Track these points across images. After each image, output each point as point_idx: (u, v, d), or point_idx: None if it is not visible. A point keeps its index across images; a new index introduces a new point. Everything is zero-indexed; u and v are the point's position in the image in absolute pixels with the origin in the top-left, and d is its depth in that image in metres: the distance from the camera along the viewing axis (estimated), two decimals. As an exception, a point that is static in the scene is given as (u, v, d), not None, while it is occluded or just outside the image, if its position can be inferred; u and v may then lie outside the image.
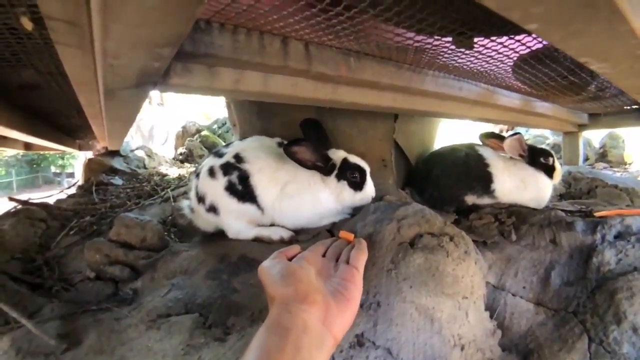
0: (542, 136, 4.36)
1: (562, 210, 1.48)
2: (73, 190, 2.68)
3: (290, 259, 0.72)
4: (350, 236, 0.77)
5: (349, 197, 1.35)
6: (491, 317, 1.11)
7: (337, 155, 1.36)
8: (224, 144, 3.86)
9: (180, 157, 3.61)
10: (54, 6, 0.51)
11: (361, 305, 0.94)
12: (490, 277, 1.23)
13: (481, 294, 1.09)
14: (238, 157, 1.35)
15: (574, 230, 1.30)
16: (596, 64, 0.69)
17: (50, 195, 2.55)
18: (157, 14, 0.43)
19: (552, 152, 1.71)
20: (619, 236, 1.27)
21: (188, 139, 3.79)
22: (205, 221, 1.45)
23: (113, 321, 1.11)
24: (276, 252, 0.72)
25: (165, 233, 1.54)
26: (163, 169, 3.12)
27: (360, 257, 0.77)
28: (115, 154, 3.05)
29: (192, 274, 1.24)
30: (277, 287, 0.59)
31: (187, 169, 3.13)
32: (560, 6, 0.44)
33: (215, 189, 1.34)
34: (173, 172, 2.99)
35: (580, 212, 1.51)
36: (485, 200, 1.61)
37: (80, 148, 3.14)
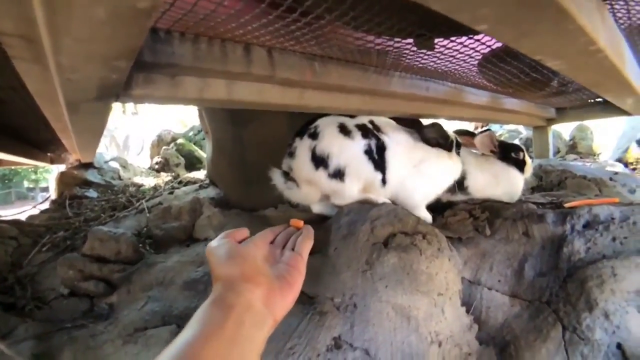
0: (516, 131, 4.47)
1: (534, 202, 1.52)
2: (46, 205, 2.61)
3: (239, 242, 0.72)
4: (300, 223, 0.79)
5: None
6: (467, 312, 1.13)
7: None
8: (199, 151, 3.82)
9: (157, 166, 3.55)
10: (6, 23, 0.50)
11: (337, 308, 0.95)
12: (466, 272, 1.25)
13: (456, 290, 1.11)
14: (374, 125, 1.25)
15: (545, 222, 1.33)
16: (551, 61, 0.72)
17: (22, 212, 2.47)
18: (107, 29, 0.42)
19: (523, 147, 1.75)
20: (587, 225, 1.31)
21: (164, 147, 3.73)
22: (310, 192, 1.24)
23: (89, 338, 1.08)
24: (224, 233, 0.71)
25: (140, 245, 1.51)
26: (139, 180, 3.06)
27: (306, 244, 0.76)
28: (88, 166, 2.98)
29: (169, 285, 1.22)
30: (224, 267, 0.59)
31: (163, 178, 3.09)
32: (505, 7, 0.46)
33: (352, 150, 1.18)
34: (149, 182, 2.93)
35: (551, 203, 1.55)
36: (459, 197, 1.63)
37: (52, 162, 3.05)
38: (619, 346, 1.04)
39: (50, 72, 0.71)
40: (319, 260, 1.09)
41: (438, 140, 1.31)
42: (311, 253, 1.18)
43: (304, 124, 1.26)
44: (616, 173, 2.19)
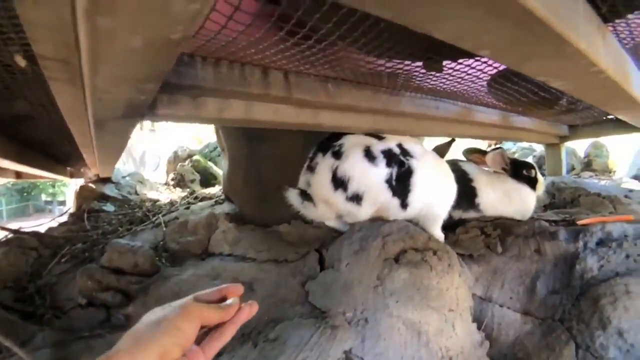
0: (530, 148, 4.44)
1: (546, 220, 1.52)
2: (65, 218, 2.68)
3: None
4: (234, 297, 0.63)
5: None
6: (479, 328, 1.13)
7: None
8: (215, 167, 3.89)
9: (172, 182, 3.63)
10: (47, 47, 0.54)
11: (349, 322, 0.97)
12: (477, 289, 1.25)
13: (467, 306, 1.12)
14: (402, 148, 1.23)
15: (557, 239, 1.33)
16: (555, 82, 0.75)
17: (41, 224, 2.55)
18: (140, 55, 0.47)
19: (534, 165, 1.76)
20: (600, 243, 1.31)
21: (180, 164, 3.82)
22: (325, 211, 1.23)
23: (105, 347, 1.10)
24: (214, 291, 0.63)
25: (157, 258, 1.55)
26: (155, 195, 3.13)
27: (219, 341, 0.59)
28: (106, 181, 3.06)
29: (184, 297, 1.25)
30: (157, 322, 0.50)
31: (179, 193, 3.15)
32: (505, 35, 0.49)
33: (373, 178, 1.15)
34: (165, 197, 3.00)
35: (564, 221, 1.55)
36: (471, 215, 1.64)
37: (71, 176, 3.14)
38: (634, 365, 1.03)
39: (82, 92, 0.77)
40: (331, 275, 1.11)
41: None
42: (323, 268, 1.21)
43: (328, 138, 1.26)
44: (631, 190, 2.17)
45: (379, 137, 1.24)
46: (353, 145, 1.19)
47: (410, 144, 1.28)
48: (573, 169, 3.70)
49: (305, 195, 1.22)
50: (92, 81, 0.58)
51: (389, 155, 1.19)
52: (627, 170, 3.51)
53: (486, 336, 1.13)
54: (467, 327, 1.08)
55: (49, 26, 0.48)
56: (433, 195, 1.28)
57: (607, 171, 3.60)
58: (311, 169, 1.23)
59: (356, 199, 1.16)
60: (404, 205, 1.21)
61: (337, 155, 1.18)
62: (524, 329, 1.17)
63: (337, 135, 1.25)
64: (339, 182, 1.15)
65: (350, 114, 1.10)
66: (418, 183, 1.21)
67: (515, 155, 4.23)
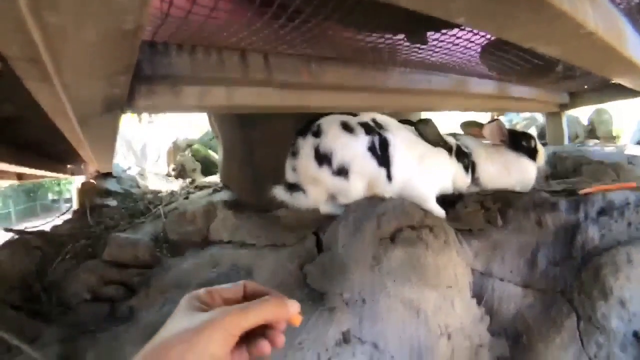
0: (532, 118, 4.38)
1: (548, 191, 1.49)
2: (69, 216, 2.70)
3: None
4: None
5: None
6: (479, 303, 1.13)
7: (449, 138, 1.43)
8: (215, 155, 3.88)
9: (173, 172, 3.63)
10: (12, 47, 0.53)
11: (346, 303, 0.97)
12: (477, 264, 1.24)
13: (466, 282, 1.11)
14: (376, 122, 1.24)
15: (558, 210, 1.31)
16: (543, 47, 0.71)
17: (46, 223, 2.57)
18: (99, 48, 0.45)
19: (533, 135, 1.73)
20: (602, 212, 1.29)
21: (179, 154, 3.82)
22: (316, 193, 1.25)
23: (111, 340, 1.13)
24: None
25: (158, 249, 1.56)
26: (156, 187, 3.15)
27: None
28: (108, 176, 3.07)
29: (185, 287, 1.26)
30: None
31: (180, 184, 3.16)
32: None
33: (355, 147, 1.17)
34: (166, 188, 3.01)
35: (565, 191, 1.52)
36: (471, 189, 1.62)
37: (72, 173, 3.16)
38: (636, 334, 1.02)
39: (58, 90, 0.76)
40: (328, 257, 1.11)
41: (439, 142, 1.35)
42: (321, 251, 1.21)
43: (306, 123, 1.27)
44: (634, 156, 2.13)
45: (354, 115, 1.25)
46: (330, 122, 1.20)
47: (383, 118, 1.27)
48: (577, 137, 3.64)
49: (292, 187, 1.24)
50: (60, 78, 0.56)
51: (366, 127, 1.20)
52: (631, 137, 3.45)
53: (487, 311, 1.13)
54: (467, 303, 1.08)
55: (4, 26, 0.47)
56: (410, 170, 1.27)
57: (611, 138, 3.54)
58: (294, 154, 1.24)
59: (342, 172, 1.17)
60: (389, 176, 1.22)
61: (317, 134, 1.19)
62: (525, 302, 1.16)
63: (313, 120, 1.26)
64: (322, 158, 1.16)
65: (337, 92, 1.07)
66: (396, 155, 1.22)
67: (518, 126, 4.18)
